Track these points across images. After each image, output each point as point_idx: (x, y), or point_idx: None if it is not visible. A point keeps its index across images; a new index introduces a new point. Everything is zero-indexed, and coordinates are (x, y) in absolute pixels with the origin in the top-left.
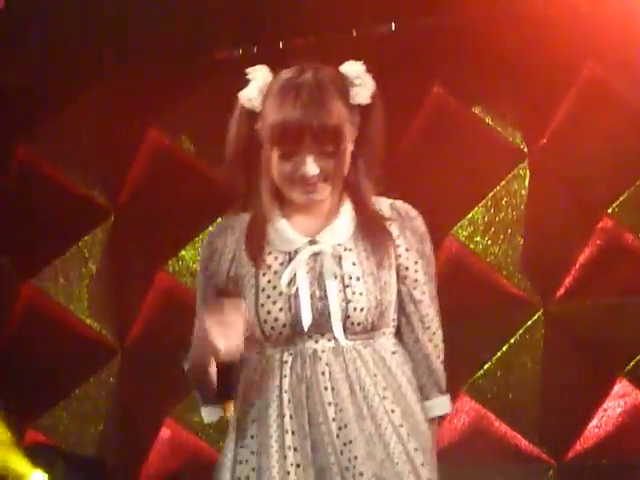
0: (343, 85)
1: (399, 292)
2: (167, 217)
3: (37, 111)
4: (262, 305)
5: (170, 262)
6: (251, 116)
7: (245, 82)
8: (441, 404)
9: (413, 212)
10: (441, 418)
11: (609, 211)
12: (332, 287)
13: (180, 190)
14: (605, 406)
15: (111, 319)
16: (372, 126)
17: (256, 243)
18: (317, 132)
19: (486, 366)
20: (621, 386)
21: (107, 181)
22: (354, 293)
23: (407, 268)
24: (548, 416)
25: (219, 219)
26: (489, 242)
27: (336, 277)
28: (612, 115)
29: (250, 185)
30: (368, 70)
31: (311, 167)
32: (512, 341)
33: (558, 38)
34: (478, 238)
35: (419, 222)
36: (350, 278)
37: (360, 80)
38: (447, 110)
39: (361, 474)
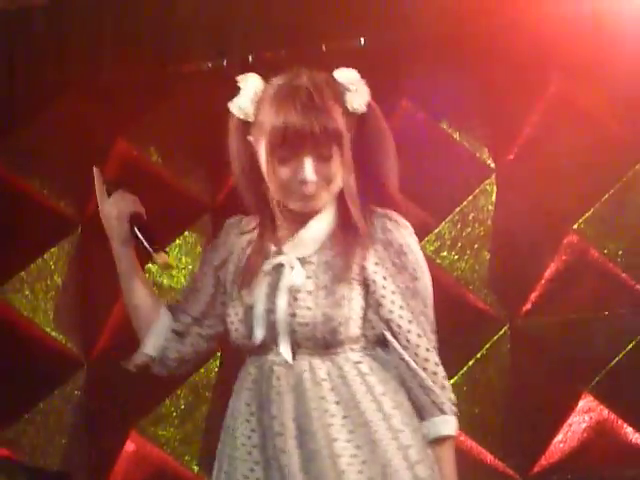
0: (338, 90)
1: (372, 307)
2: None
3: (3, 121)
4: (228, 315)
5: None
6: (245, 126)
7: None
8: (440, 424)
9: (390, 223)
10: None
11: (575, 227)
12: (282, 300)
13: (148, 202)
14: (570, 421)
15: (77, 332)
16: (367, 136)
17: (254, 261)
18: (318, 134)
19: (452, 381)
20: (586, 401)
21: (74, 192)
22: (301, 307)
23: (374, 282)
24: (513, 431)
25: (186, 232)
26: (456, 257)
27: (289, 291)
28: (579, 131)
29: (257, 197)
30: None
31: (309, 171)
32: (478, 356)
33: (525, 54)
34: (445, 253)
35: (397, 234)
36: (300, 292)
37: (355, 87)
38: (415, 125)
39: None
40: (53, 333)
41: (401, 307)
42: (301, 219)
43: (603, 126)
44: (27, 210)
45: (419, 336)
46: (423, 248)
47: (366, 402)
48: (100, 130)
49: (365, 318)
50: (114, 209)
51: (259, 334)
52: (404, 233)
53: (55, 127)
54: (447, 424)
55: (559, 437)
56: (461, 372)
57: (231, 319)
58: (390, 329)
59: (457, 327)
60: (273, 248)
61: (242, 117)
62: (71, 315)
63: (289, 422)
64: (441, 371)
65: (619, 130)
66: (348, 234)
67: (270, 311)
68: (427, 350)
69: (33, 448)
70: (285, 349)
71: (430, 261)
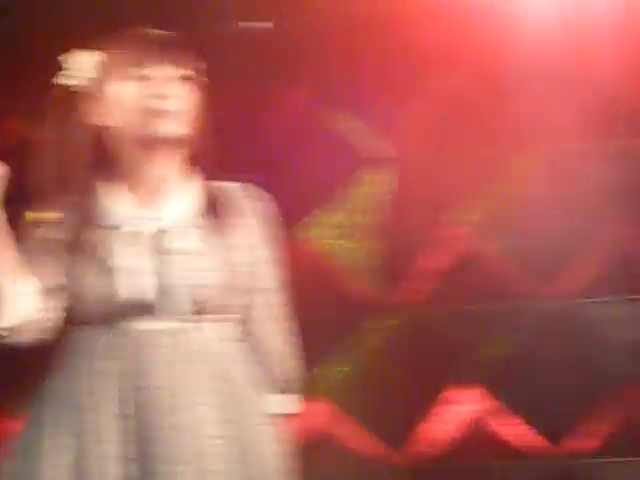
0: None
1: (247, 274)
2: None
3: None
4: (92, 284)
5: None
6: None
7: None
8: (269, 401)
9: (264, 194)
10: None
11: (464, 219)
12: (174, 264)
13: None
14: (440, 411)
15: None
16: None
17: (88, 222)
18: (173, 52)
19: (339, 369)
20: (467, 393)
21: None
22: (197, 270)
23: (252, 248)
24: (399, 419)
25: None
26: (344, 245)
27: (179, 254)
28: (467, 125)
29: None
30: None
31: (170, 85)
32: (364, 345)
33: (423, 45)
34: (332, 241)
35: (266, 204)
36: (194, 255)
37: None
38: (308, 113)
39: (134, 460)
40: None
41: (273, 276)
42: (172, 183)
43: (491, 121)
44: None
45: (271, 305)
46: (313, 236)
47: (219, 383)
48: None
49: (241, 284)
50: None
51: (145, 299)
52: (269, 204)
53: None
54: (278, 403)
55: (431, 426)
56: (347, 360)
57: (98, 286)
58: (264, 298)
59: (344, 316)
60: (147, 213)
61: (80, 88)
62: None
63: (155, 393)
64: (292, 340)
65: (505, 126)
66: (221, 199)
67: (159, 276)
68: (286, 319)
69: None
70: (178, 313)
71: (317, 249)
